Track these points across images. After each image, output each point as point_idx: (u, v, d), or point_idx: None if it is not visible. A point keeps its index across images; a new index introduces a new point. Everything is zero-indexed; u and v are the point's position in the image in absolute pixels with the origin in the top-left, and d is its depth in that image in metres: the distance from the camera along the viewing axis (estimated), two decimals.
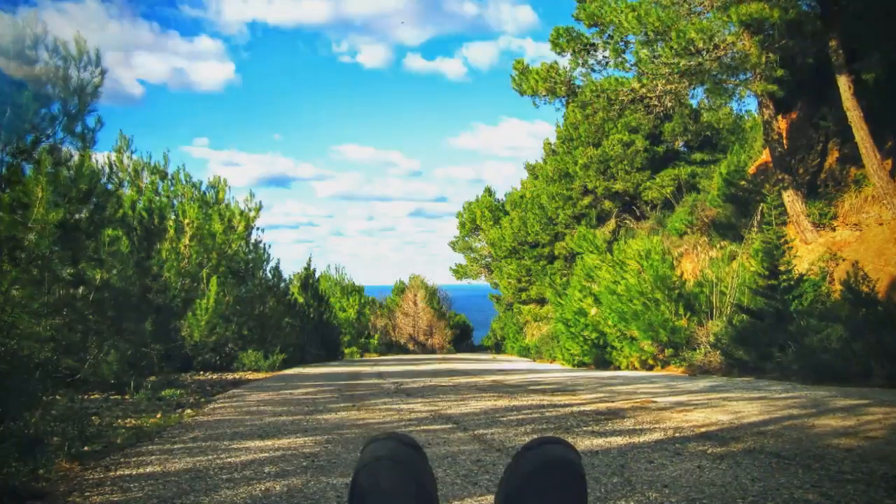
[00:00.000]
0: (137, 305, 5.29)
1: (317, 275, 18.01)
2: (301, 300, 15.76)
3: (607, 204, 18.37)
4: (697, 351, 8.36)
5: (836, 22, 7.76)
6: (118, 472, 2.65)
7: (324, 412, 4.53)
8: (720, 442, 2.99)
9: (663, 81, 8.15)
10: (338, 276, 25.58)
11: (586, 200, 18.34)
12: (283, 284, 13.83)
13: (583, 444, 3.05)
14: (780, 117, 10.23)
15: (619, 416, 3.98)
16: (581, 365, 11.49)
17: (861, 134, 7.73)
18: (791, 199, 9.13)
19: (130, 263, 5.14)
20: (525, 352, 18.76)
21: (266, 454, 2.98)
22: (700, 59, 7.55)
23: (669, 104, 9.25)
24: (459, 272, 25.80)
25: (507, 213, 22.82)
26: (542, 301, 20.29)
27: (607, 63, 9.00)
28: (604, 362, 10.57)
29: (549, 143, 20.46)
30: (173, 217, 8.96)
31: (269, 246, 13.69)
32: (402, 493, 0.84)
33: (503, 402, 4.87)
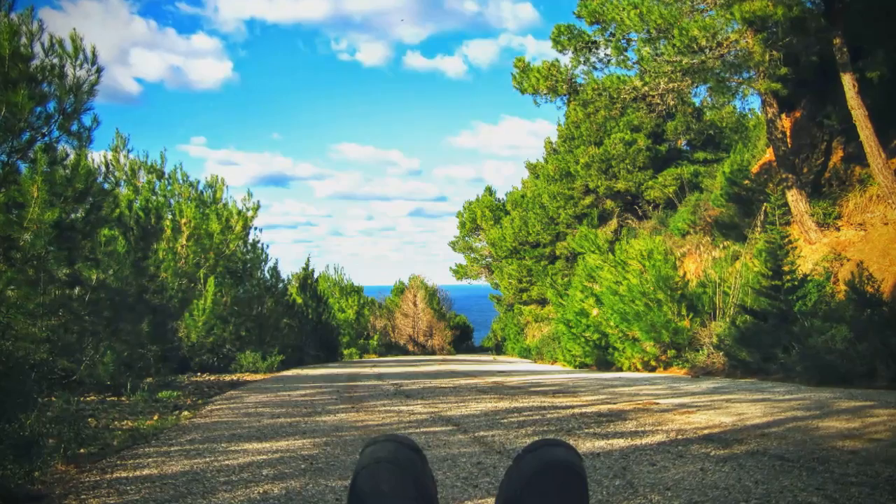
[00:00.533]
0: (134, 306, 5.26)
1: (315, 275, 17.90)
2: (299, 301, 15.68)
3: (609, 203, 18.30)
4: (700, 352, 8.30)
5: (839, 19, 7.71)
6: (114, 475, 2.63)
7: (322, 414, 4.50)
8: (723, 444, 2.97)
9: (665, 79, 8.10)
10: (337, 277, 25.47)
11: (588, 200, 18.28)
12: (281, 285, 13.75)
13: (584, 446, 3.04)
14: (783, 116, 10.18)
15: (621, 417, 3.94)
16: (582, 366, 11.44)
17: (865, 133, 7.68)
18: (795, 199, 9.07)
19: (127, 263, 5.12)
20: (526, 353, 18.71)
21: (264, 456, 2.96)
22: (703, 57, 7.51)
23: (672, 102, 9.21)
24: (459, 272, 25.74)
25: (507, 213, 22.77)
26: (543, 302, 20.24)
27: (609, 61, 8.95)
28: (605, 363, 10.52)
29: (551, 142, 20.42)
30: (170, 217, 8.91)
31: (268, 246, 13.63)
32: (401, 495, 0.83)
33: (504, 404, 4.84)
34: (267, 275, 12.78)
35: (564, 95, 9.80)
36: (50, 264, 3.86)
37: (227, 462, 2.84)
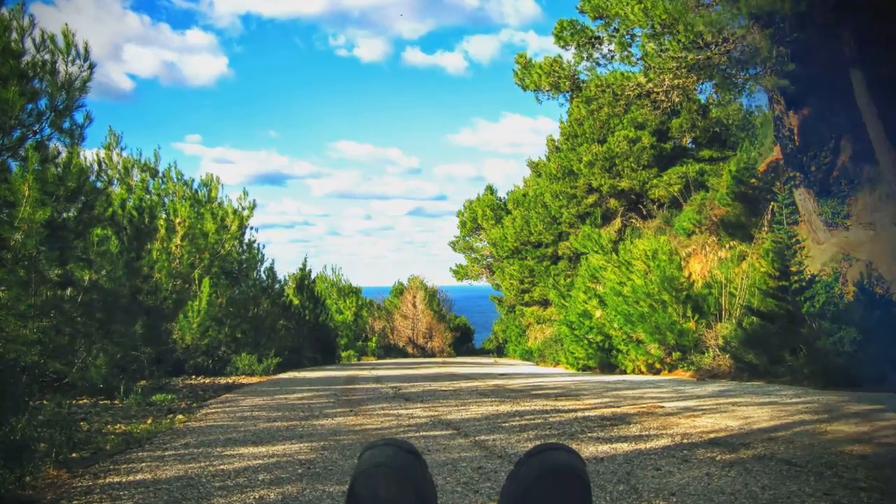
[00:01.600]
0: (127, 307, 5.21)
1: (313, 276, 17.74)
2: (296, 302, 15.56)
3: (613, 202, 18.19)
4: (706, 354, 8.21)
5: (848, 15, 7.58)
6: (107, 480, 2.62)
7: (320, 417, 4.46)
8: (729, 448, 2.95)
9: (670, 76, 8.01)
10: (334, 277, 25.33)
11: (591, 199, 18.17)
12: (277, 286, 13.66)
13: (587, 450, 3.02)
14: (791, 113, 10.05)
15: (625, 421, 3.89)
16: (586, 369, 11.35)
17: (875, 130, 7.57)
18: (803, 198, 8.97)
19: (120, 264, 5.08)
20: (528, 355, 18.62)
21: (260, 461, 2.95)
22: (708, 53, 7.42)
23: (677, 99, 9.11)
24: (460, 273, 25.65)
25: (509, 212, 22.68)
26: (545, 303, 20.15)
27: (613, 57, 8.85)
28: (609, 366, 10.43)
29: (553, 140, 20.33)
30: (164, 216, 8.81)
31: (264, 246, 13.54)
32: (400, 501, 0.83)
33: (505, 408, 4.77)
34: (263, 275, 12.70)
35: (567, 92, 9.72)
36: (41, 265, 3.82)
37: (222, 467, 2.83)
